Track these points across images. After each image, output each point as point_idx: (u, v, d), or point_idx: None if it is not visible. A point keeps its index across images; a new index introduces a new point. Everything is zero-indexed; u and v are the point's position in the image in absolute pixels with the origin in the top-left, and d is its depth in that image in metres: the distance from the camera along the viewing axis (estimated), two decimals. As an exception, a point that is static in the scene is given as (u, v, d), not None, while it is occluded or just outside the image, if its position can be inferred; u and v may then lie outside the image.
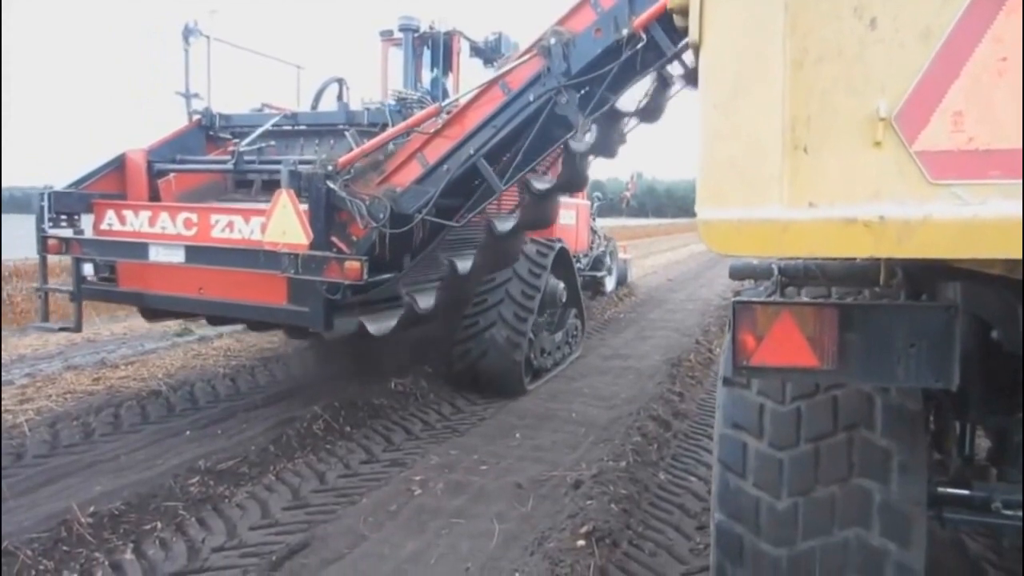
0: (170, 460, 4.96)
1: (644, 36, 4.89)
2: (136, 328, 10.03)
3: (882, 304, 1.87)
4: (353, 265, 4.95)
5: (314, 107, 7.23)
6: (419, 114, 5.53)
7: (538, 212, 6.49)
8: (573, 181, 6.18)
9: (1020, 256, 1.24)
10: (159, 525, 3.96)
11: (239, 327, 9.97)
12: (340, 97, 7.38)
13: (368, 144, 5.41)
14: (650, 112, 5.81)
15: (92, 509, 3.95)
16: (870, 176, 1.31)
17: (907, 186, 1.29)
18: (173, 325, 10.07)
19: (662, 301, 13.91)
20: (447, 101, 5.56)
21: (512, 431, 5.74)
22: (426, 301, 5.76)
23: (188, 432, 5.59)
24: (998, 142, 1.24)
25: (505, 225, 6.23)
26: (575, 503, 4.16)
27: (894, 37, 1.29)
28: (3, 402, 5.94)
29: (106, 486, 4.43)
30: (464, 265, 6.15)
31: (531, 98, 5.17)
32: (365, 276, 4.99)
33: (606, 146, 5.88)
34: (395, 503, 4.33)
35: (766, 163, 1.36)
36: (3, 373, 6.99)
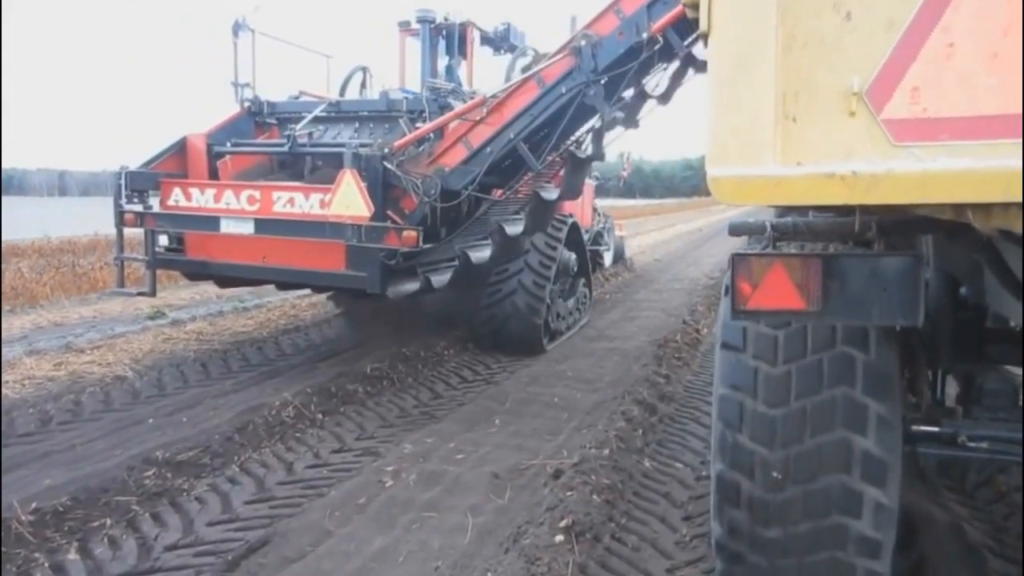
0: (130, 449, 4.70)
1: (661, 39, 5.75)
2: (106, 311, 9.72)
3: (859, 254, 2.13)
4: (411, 234, 5.65)
5: (341, 94, 7.88)
6: (468, 103, 6.34)
7: (574, 182, 7.54)
8: (597, 154, 7.32)
9: (964, 201, 1.55)
10: (109, 522, 3.69)
11: (213, 311, 9.75)
12: (364, 85, 8.05)
13: (421, 130, 6.19)
14: (665, 96, 6.75)
15: (35, 505, 3.67)
16: (845, 140, 1.58)
17: (875, 147, 1.55)
18: (145, 308, 9.80)
19: (649, 281, 13.68)
20: (491, 93, 6.33)
21: (491, 417, 5.49)
22: (478, 255, 6.47)
23: (151, 420, 5.32)
24: (947, 111, 1.51)
25: (551, 195, 7.20)
26: (554, 494, 3.92)
27: (865, 27, 1.55)
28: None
29: (56, 479, 4.16)
30: (514, 228, 6.82)
31: (563, 91, 6.03)
32: (421, 244, 5.68)
33: (630, 121, 6.95)
34: (364, 495, 4.08)
35: (762, 130, 1.62)
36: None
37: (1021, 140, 1.46)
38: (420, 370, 6.73)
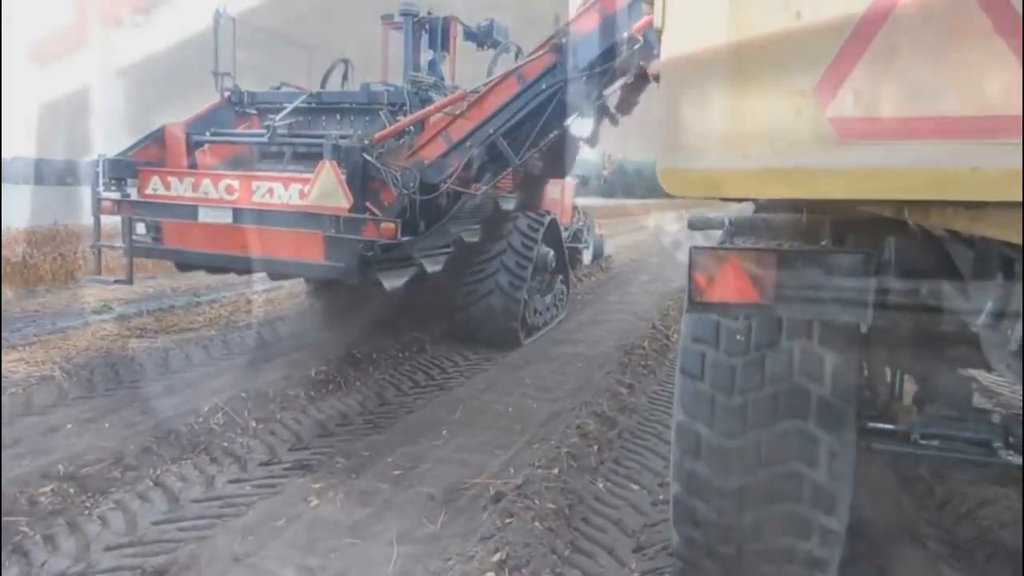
0: (37, 460, 4.29)
1: (641, 39, 5.85)
2: (51, 305, 9.24)
3: (811, 250, 2.22)
4: (389, 226, 5.58)
5: (322, 86, 7.84)
6: (449, 97, 6.43)
7: (531, 193, 7.68)
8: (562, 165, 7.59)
9: (902, 198, 1.58)
10: (-10, 547, 3.30)
11: (164, 305, 9.30)
12: (345, 77, 8.03)
13: (401, 123, 6.23)
14: (626, 105, 7.01)
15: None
16: (792, 135, 1.60)
17: (819, 143, 1.58)
18: (92, 302, 9.32)
19: (623, 282, 13.38)
20: (472, 88, 6.38)
21: (439, 428, 5.12)
22: (433, 265, 6.45)
23: (70, 426, 4.92)
24: (889, 111, 1.53)
25: (508, 204, 7.32)
26: (492, 521, 3.55)
27: (814, 27, 1.58)
28: None
29: (-58, 497, 3.74)
30: (470, 237, 6.82)
31: (543, 87, 6.11)
32: (399, 236, 5.62)
33: (594, 138, 7.20)
34: (285, 516, 3.70)
35: (712, 124, 1.67)
36: None
37: (960, 141, 1.47)
38: (371, 373, 6.36)
